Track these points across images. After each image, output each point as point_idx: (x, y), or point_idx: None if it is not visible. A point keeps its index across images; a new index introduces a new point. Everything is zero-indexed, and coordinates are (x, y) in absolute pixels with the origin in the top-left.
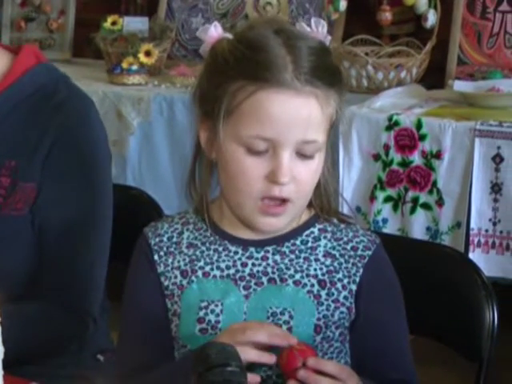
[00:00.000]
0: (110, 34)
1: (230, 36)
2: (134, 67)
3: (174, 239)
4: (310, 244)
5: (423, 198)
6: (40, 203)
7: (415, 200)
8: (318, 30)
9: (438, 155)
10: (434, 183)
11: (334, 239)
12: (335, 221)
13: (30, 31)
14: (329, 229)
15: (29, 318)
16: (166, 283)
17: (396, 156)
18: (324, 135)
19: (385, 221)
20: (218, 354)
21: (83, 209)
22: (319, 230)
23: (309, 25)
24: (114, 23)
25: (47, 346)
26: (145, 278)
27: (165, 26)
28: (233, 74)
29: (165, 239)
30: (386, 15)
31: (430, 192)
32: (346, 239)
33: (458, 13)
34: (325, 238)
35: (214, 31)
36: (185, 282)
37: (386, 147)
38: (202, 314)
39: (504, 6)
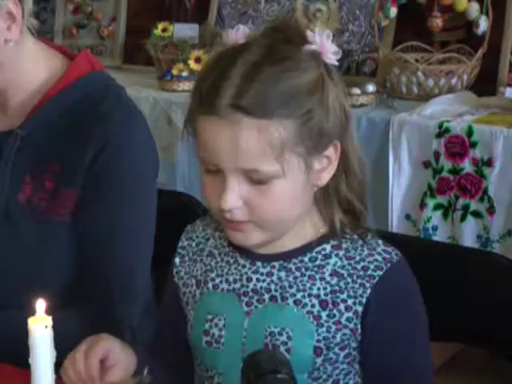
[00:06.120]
0: (160, 40)
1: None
2: (184, 74)
3: (201, 245)
4: (318, 262)
5: (474, 205)
6: (82, 211)
7: (465, 208)
8: (322, 41)
9: (489, 163)
10: (485, 191)
11: (345, 257)
12: (355, 236)
13: (82, 38)
14: (343, 246)
15: (67, 327)
16: (183, 289)
17: (446, 163)
18: (273, 164)
19: (435, 228)
20: (269, 360)
21: (124, 220)
22: (332, 246)
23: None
24: (164, 30)
25: None
26: (170, 283)
27: (215, 32)
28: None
29: (193, 244)
30: (437, 21)
31: (481, 200)
32: (358, 258)
33: (510, 19)
34: (336, 255)
35: (235, 34)
36: (198, 293)
37: (437, 154)
38: (207, 326)
39: None
